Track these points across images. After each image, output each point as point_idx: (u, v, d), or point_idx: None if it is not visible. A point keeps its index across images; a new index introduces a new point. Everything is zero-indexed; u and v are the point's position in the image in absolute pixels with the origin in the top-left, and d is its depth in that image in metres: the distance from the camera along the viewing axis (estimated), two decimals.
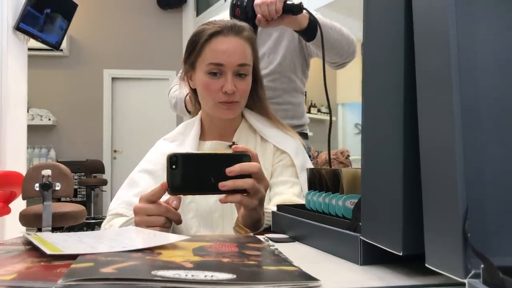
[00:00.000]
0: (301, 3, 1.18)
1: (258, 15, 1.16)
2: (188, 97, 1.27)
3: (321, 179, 0.66)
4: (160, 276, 0.38)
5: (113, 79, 6.65)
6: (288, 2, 1.17)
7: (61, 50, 5.82)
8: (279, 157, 1.06)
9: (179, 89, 1.41)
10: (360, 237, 0.47)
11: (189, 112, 1.21)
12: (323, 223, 0.57)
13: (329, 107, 1.12)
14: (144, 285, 0.36)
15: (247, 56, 1.01)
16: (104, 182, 6.11)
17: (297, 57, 1.58)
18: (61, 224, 2.86)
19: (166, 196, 0.74)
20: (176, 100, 1.44)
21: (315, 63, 1.69)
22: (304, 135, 1.66)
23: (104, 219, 0.98)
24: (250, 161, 0.73)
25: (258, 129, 1.08)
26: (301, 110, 1.66)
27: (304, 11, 1.20)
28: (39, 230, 2.59)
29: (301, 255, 0.54)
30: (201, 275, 0.39)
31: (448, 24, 0.33)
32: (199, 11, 6.33)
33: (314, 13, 1.38)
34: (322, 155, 4.03)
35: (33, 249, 0.53)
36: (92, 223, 5.69)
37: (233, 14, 1.21)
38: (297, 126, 1.60)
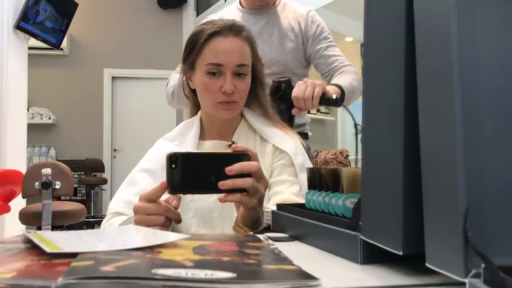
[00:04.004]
0: (336, 98, 1.23)
1: (295, 108, 1.21)
2: (183, 80, 1.19)
3: (321, 179, 0.66)
4: (160, 275, 0.38)
5: (113, 78, 6.65)
6: (325, 97, 1.22)
7: (62, 49, 5.82)
8: (278, 156, 1.06)
9: (174, 78, 1.41)
10: (360, 236, 0.47)
11: (186, 96, 1.19)
12: (323, 223, 0.57)
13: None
14: (144, 284, 0.36)
15: (246, 56, 1.01)
16: (104, 181, 6.11)
17: (299, 61, 1.60)
18: (61, 223, 2.86)
19: (165, 195, 0.74)
20: (174, 88, 1.42)
21: None
22: (304, 135, 1.65)
23: (103, 217, 0.98)
24: (250, 161, 0.73)
25: (257, 128, 1.09)
26: None
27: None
28: (39, 228, 2.59)
29: (300, 254, 0.54)
30: (201, 273, 0.39)
31: (450, 24, 0.33)
32: (199, 11, 6.32)
33: (347, 80, 1.42)
34: (321, 155, 4.03)
35: (33, 247, 0.53)
36: (92, 222, 5.70)
37: (272, 100, 1.26)
38: (297, 126, 1.59)
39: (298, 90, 1.19)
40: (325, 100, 1.20)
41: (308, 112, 1.66)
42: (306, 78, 1.65)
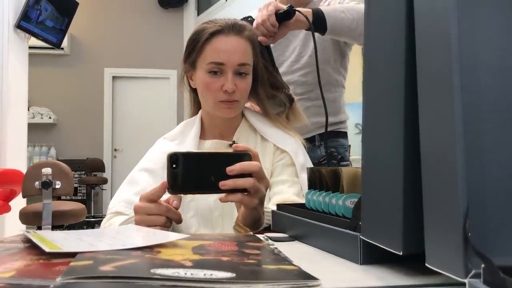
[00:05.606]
0: (290, 5, 1.16)
1: (259, 37, 1.15)
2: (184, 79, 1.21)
3: (321, 179, 0.66)
4: (159, 274, 0.37)
5: (114, 77, 6.65)
6: (279, 12, 1.16)
7: (62, 48, 5.82)
8: (279, 156, 1.06)
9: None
10: (360, 236, 0.46)
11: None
12: (323, 223, 0.57)
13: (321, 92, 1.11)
14: (143, 283, 0.36)
15: (247, 56, 1.01)
16: (104, 181, 6.11)
17: (331, 48, 1.49)
18: (61, 223, 2.86)
19: (166, 195, 0.74)
20: None
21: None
22: (343, 134, 1.54)
23: (104, 217, 0.97)
24: (251, 160, 0.73)
25: (258, 128, 1.08)
26: (336, 106, 1.54)
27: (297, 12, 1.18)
28: (39, 228, 2.59)
29: (300, 254, 0.54)
30: (200, 273, 0.39)
31: (450, 24, 0.33)
32: (200, 10, 6.33)
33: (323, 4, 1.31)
34: None
35: (32, 247, 0.53)
36: (92, 222, 5.70)
37: None
38: (333, 124, 1.48)
39: (256, 18, 1.15)
40: (279, 15, 1.16)
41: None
42: (340, 73, 1.54)
